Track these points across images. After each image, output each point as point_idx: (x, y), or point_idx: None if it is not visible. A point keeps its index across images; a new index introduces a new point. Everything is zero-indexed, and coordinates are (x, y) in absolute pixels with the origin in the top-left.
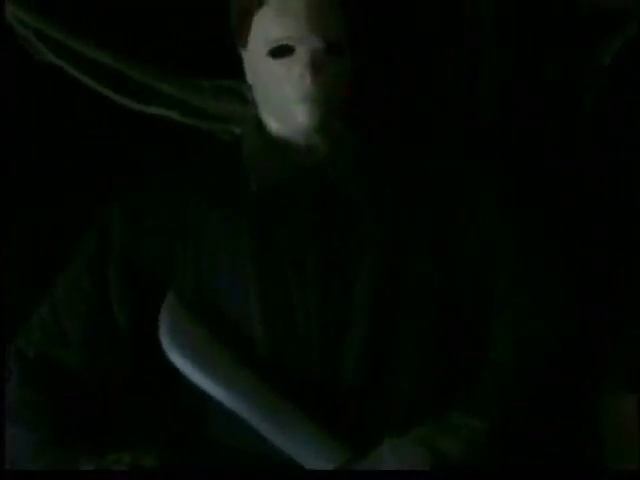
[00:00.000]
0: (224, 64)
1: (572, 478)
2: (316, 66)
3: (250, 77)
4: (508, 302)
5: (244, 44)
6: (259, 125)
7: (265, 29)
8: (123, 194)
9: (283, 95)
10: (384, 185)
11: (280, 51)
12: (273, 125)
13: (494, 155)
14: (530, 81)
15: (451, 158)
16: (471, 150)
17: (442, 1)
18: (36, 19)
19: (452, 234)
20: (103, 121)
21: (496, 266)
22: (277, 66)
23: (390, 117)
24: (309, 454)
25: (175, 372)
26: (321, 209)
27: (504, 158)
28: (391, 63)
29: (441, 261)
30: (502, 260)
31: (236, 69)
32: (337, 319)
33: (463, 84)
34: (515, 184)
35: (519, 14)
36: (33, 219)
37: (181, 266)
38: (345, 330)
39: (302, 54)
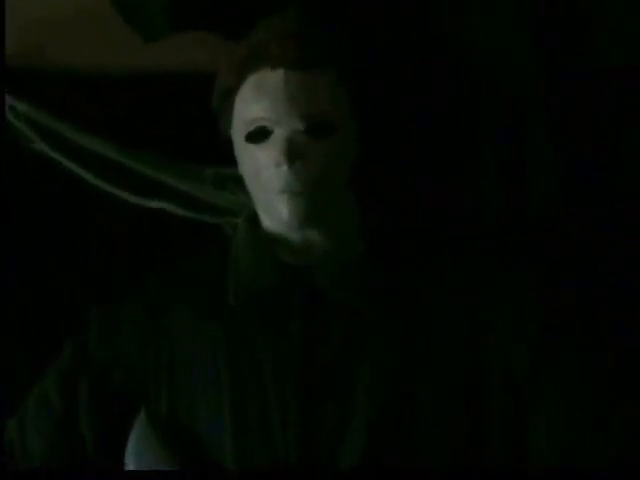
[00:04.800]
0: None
1: None
2: (295, 151)
3: (238, 164)
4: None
5: (229, 128)
6: (253, 219)
7: (242, 109)
8: (104, 302)
9: (263, 185)
10: (389, 294)
11: (257, 134)
12: (264, 219)
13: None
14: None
15: (476, 268)
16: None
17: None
18: (31, 109)
19: (472, 358)
20: (102, 217)
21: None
22: (256, 151)
23: (406, 210)
24: None
25: None
26: (310, 320)
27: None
28: (410, 142)
29: (459, 386)
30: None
31: None
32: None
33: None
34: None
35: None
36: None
37: (154, 385)
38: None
39: (278, 137)
